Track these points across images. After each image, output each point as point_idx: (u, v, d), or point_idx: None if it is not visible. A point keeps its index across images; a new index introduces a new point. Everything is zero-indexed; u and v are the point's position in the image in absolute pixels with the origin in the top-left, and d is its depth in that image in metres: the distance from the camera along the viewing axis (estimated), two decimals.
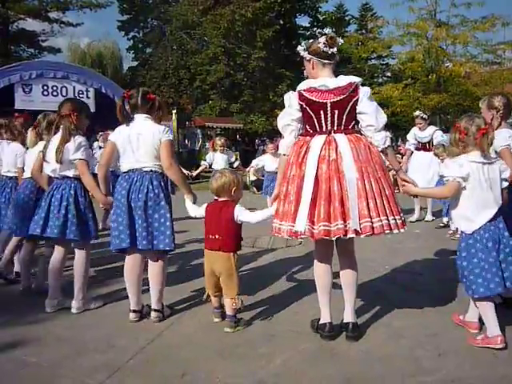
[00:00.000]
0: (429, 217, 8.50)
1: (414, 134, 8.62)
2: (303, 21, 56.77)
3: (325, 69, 3.47)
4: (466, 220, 3.38)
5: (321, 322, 3.52)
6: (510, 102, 4.12)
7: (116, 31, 39.01)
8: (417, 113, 8.72)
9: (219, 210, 3.71)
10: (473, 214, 3.34)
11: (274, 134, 26.53)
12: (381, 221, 3.22)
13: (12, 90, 12.99)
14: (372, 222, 3.21)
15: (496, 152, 3.84)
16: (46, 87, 13.49)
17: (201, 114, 28.95)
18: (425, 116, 8.54)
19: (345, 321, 3.52)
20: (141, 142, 3.78)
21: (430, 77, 17.70)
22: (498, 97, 4.10)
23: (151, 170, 3.80)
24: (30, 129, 4.79)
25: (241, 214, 3.67)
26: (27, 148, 4.99)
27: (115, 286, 4.72)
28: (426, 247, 6.31)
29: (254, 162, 9.73)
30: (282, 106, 3.64)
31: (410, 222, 8.13)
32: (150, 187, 3.77)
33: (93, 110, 14.04)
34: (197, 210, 3.89)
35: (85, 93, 14.10)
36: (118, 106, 3.88)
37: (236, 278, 3.69)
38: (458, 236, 3.77)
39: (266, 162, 9.08)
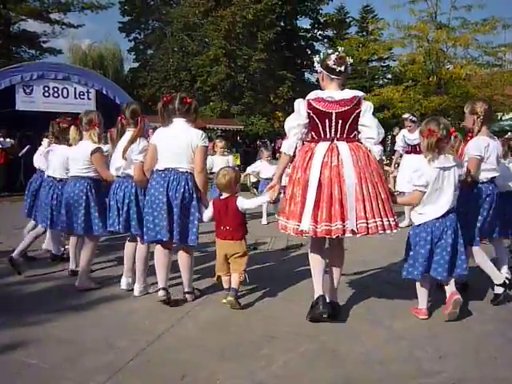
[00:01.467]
0: (405, 222, 8.16)
1: (404, 137, 8.44)
2: (304, 23, 56.77)
3: (332, 83, 3.81)
4: (417, 213, 3.90)
5: (315, 296, 3.83)
6: (491, 108, 4.32)
7: (117, 33, 39.10)
8: (405, 115, 8.53)
9: (226, 205, 4.26)
10: (424, 210, 3.85)
11: (275, 136, 26.58)
12: (375, 222, 3.59)
13: (13, 91, 13.01)
14: (367, 223, 3.58)
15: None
16: (46, 88, 13.50)
17: (201, 116, 28.94)
18: (414, 119, 8.36)
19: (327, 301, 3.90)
20: (178, 143, 4.14)
21: (430, 79, 17.73)
22: (480, 103, 4.30)
23: (187, 171, 4.17)
24: (72, 127, 5.00)
25: (242, 203, 4.26)
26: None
27: (116, 288, 4.72)
28: None
29: (250, 169, 9.76)
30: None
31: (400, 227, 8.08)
32: (186, 187, 4.14)
33: None
34: (207, 213, 4.33)
35: (86, 94, 14.12)
36: (159, 110, 4.27)
37: (246, 257, 4.30)
38: None
39: (261, 168, 9.16)
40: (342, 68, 3.77)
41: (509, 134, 18.96)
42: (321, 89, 3.90)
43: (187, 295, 4.39)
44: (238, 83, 28.46)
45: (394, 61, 26.31)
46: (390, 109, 18.73)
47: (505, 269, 4.49)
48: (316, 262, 3.93)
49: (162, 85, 33.05)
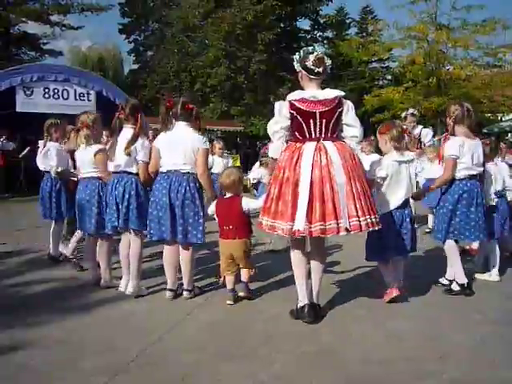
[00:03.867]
0: None
1: None
2: (304, 24, 56.83)
3: (311, 83, 3.82)
4: (380, 205, 4.15)
5: (299, 304, 3.88)
6: (467, 110, 4.53)
7: (117, 34, 39.05)
8: (410, 110, 8.42)
9: (229, 205, 4.38)
10: (386, 201, 4.24)
11: None
12: (366, 219, 3.65)
13: (13, 92, 13.02)
14: (360, 221, 3.63)
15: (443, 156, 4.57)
16: (47, 90, 13.50)
17: (201, 117, 28.92)
18: (415, 112, 8.38)
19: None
20: (180, 146, 4.25)
21: (430, 80, 17.74)
22: (455, 105, 4.62)
23: (188, 173, 4.27)
24: (74, 130, 5.16)
25: (247, 204, 4.36)
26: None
27: (116, 289, 4.72)
28: (425, 250, 6.30)
29: (253, 176, 9.73)
30: None
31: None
32: (188, 188, 4.25)
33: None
34: (211, 208, 4.48)
35: (86, 96, 14.12)
36: (162, 114, 4.41)
37: (250, 256, 4.46)
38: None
39: (263, 175, 9.18)
40: (321, 69, 3.77)
41: (509, 135, 18.96)
42: (301, 87, 3.90)
43: (185, 292, 4.46)
44: (237, 84, 28.44)
45: (394, 62, 26.35)
46: (390, 110, 18.74)
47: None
48: (299, 266, 3.95)
49: (161, 86, 33.05)
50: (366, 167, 4.11)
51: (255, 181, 11.34)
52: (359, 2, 59.46)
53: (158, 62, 34.20)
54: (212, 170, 8.85)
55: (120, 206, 4.43)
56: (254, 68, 27.20)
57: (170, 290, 4.47)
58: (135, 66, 39.12)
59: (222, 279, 4.49)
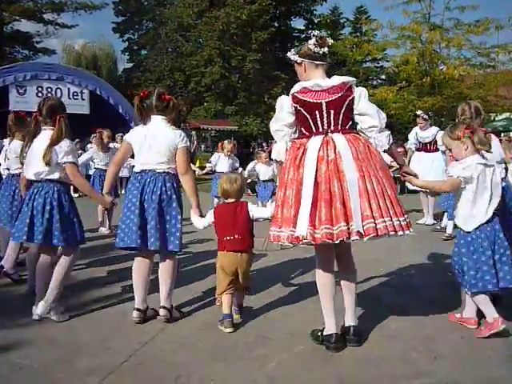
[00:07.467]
0: (429, 220, 8.34)
1: (416, 134, 8.52)
2: (298, 23, 56.76)
3: (318, 70, 3.39)
4: (465, 219, 3.57)
5: (326, 333, 3.37)
6: (473, 110, 4.27)
7: (111, 33, 38.98)
8: (418, 112, 8.67)
9: (233, 211, 3.78)
10: (472, 213, 3.53)
11: (269, 137, 26.52)
12: (384, 222, 3.10)
13: (6, 91, 12.97)
14: (375, 223, 3.08)
15: None
16: (40, 89, 13.48)
17: (196, 116, 28.88)
18: (425, 116, 8.39)
19: (346, 325, 3.45)
20: (156, 143, 3.81)
21: (424, 79, 17.76)
22: (464, 106, 4.32)
23: (164, 172, 3.82)
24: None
25: (255, 211, 3.82)
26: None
27: (110, 289, 4.71)
28: (422, 250, 6.31)
29: (251, 168, 9.76)
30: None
31: (417, 223, 8.03)
32: (164, 189, 3.79)
33: (87, 111, 14.09)
34: (203, 221, 3.92)
35: (79, 94, 14.09)
36: (136, 106, 3.94)
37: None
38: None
39: (259, 171, 9.32)
40: (326, 49, 3.35)
41: (502, 134, 19.09)
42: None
43: (161, 310, 3.85)
44: (232, 84, 28.41)
45: (388, 62, 26.35)
46: (383, 109, 18.75)
47: None
48: (325, 285, 3.37)
49: (156, 85, 32.87)
50: (449, 168, 3.64)
51: (249, 180, 11.35)
52: (353, 2, 59.60)
53: (152, 61, 34.12)
54: (216, 169, 8.93)
55: (40, 219, 3.82)
56: (249, 67, 27.17)
57: (138, 309, 3.86)
58: (129, 65, 39.07)
59: (219, 301, 3.81)
